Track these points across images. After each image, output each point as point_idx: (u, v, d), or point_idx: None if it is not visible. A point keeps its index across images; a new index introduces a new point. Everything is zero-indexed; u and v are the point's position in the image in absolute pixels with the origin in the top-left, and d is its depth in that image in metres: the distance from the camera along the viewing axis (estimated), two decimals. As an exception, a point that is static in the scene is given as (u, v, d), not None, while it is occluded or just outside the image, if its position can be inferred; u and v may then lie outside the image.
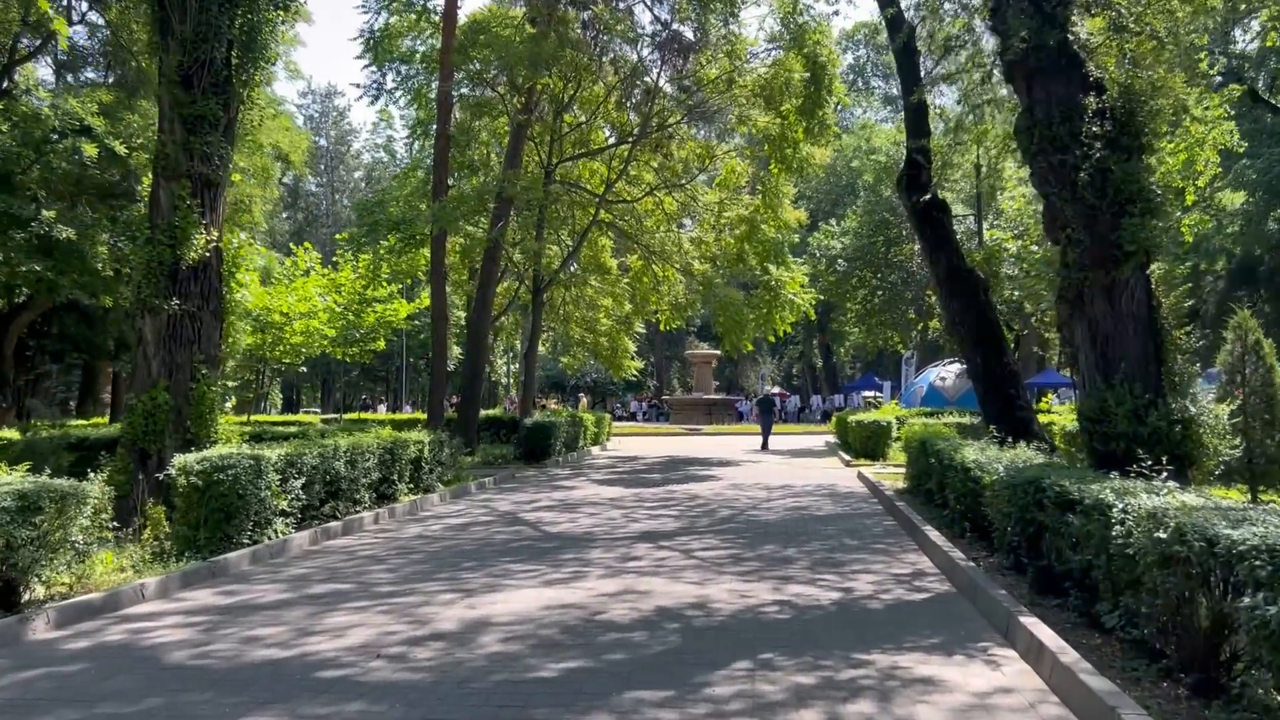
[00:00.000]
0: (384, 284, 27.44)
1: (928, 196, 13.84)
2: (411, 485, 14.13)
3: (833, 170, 47.81)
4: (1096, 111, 8.86)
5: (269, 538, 9.82)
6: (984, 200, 30.00)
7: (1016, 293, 26.23)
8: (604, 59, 23.67)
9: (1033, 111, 9.19)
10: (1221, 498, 6.33)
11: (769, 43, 23.41)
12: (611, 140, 25.05)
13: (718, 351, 45.31)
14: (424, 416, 24.03)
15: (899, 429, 21.20)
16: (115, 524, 8.94)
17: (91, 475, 8.64)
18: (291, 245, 30.05)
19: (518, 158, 22.90)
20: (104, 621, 6.79)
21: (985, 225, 26.89)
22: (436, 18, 24.33)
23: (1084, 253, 8.63)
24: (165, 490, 9.65)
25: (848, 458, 21.21)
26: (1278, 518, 4.64)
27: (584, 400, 49.09)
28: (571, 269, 26.76)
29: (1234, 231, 30.28)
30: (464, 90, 24.63)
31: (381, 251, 23.43)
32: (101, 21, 28.29)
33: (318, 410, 61.83)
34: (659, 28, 22.89)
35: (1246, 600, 4.15)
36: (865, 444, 21.05)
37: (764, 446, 28.02)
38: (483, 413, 32.79)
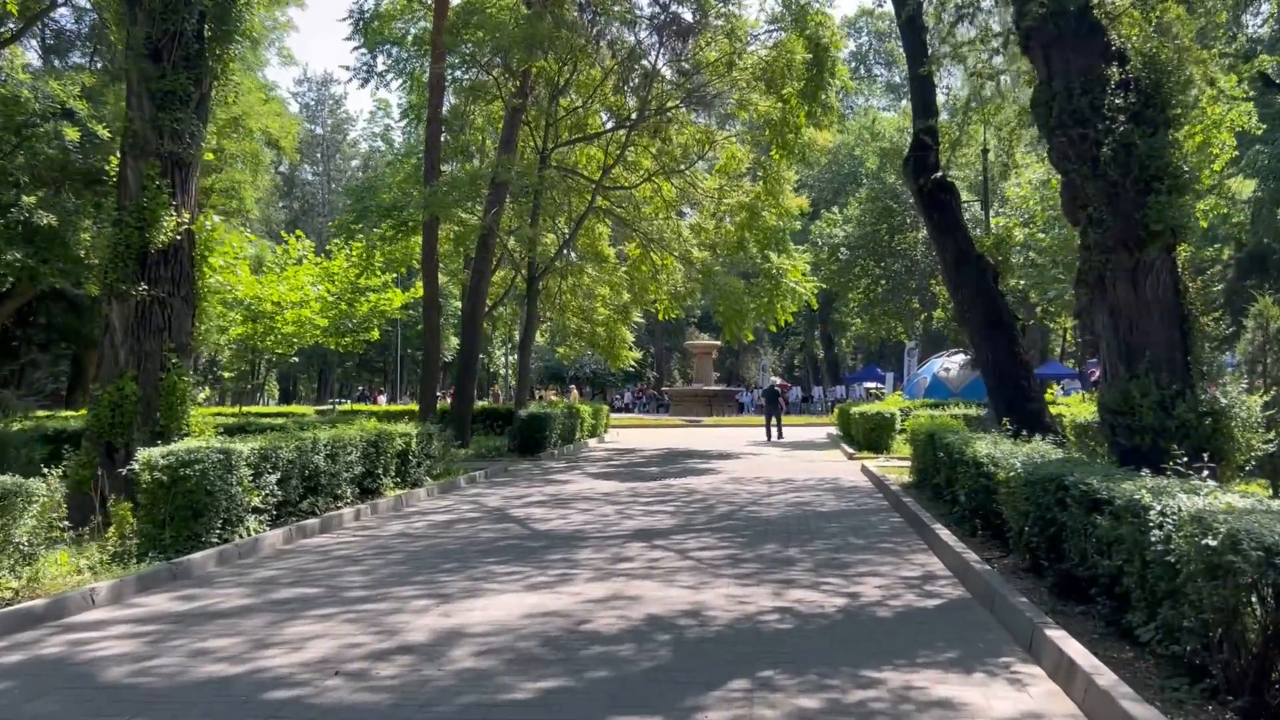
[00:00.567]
0: (377, 273, 26.92)
1: (937, 176, 13.24)
2: (398, 479, 13.61)
3: (835, 159, 47.22)
4: (1120, 83, 8.28)
5: (240, 536, 9.29)
6: (993, 183, 29.35)
7: (1022, 282, 25.67)
8: (601, 43, 23.09)
9: (1051, 83, 8.60)
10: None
11: (770, 24, 22.87)
12: (609, 125, 24.45)
13: (718, 342, 44.91)
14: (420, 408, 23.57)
15: (903, 421, 20.72)
16: (72, 523, 8.44)
17: (48, 471, 8.14)
18: (283, 234, 29.38)
19: (512, 143, 22.32)
20: (44, 631, 6.26)
21: (991, 213, 26.26)
22: (429, -1, 23.74)
23: (1106, 233, 8.06)
24: (132, 486, 9.13)
25: (850, 450, 20.69)
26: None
27: (574, 391, 48.54)
28: (568, 256, 26.22)
29: (1240, 220, 29.67)
30: (458, 74, 24.05)
31: (374, 239, 22.87)
32: (87, 4, 27.79)
33: (336, 402, 61.41)
34: (657, 9, 22.29)
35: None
36: (868, 436, 20.51)
37: (772, 437, 27.72)
38: (480, 404, 32.48)
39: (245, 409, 32.71)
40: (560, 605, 6.73)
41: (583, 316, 27.64)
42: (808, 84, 20.44)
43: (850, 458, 19.82)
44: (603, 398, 60.75)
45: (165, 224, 10.55)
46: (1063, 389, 31.55)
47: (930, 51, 13.31)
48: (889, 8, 15.75)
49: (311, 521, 10.45)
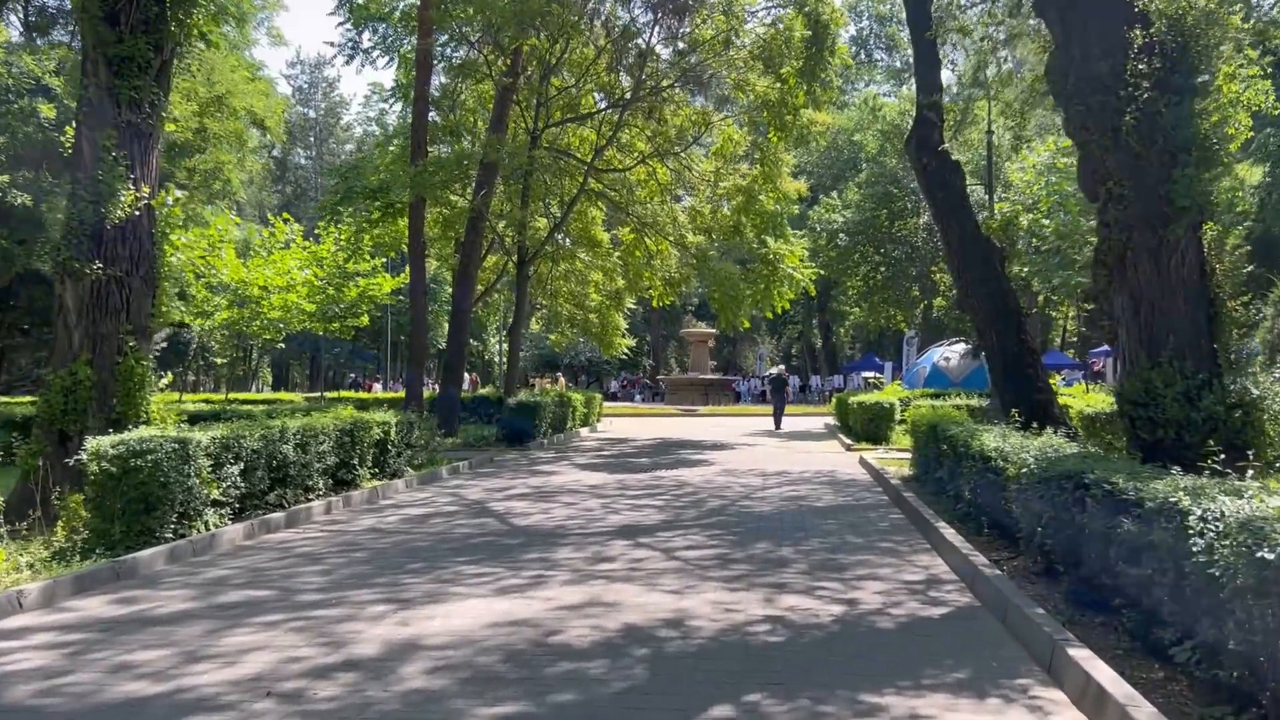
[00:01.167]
0: (366, 257, 26.24)
1: (942, 153, 12.61)
2: (375, 470, 13.02)
3: (834, 144, 46.47)
4: (1143, 47, 7.64)
5: (197, 531, 8.69)
6: (999, 164, 28.69)
7: (1025, 269, 25.03)
8: (595, 22, 22.41)
9: (1068, 48, 7.97)
10: None
11: (768, 1, 22.14)
12: (602, 105, 23.77)
13: (714, 330, 44.44)
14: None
15: (902, 411, 20.18)
16: (19, 517, 7.87)
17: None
18: (270, 216, 28.70)
19: (503, 123, 21.67)
20: (-44, 641, 5.65)
21: (994, 198, 25.64)
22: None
23: (1128, 209, 7.44)
24: (82, 478, 8.54)
25: (849, 441, 20.13)
26: None
27: (561, 379, 48.02)
28: (559, 240, 25.59)
29: (1244, 209, 29.02)
30: (447, 52, 23.35)
31: (360, 222, 22.24)
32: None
33: (324, 391, 60.84)
34: (652, -16, 21.56)
35: None
36: (867, 427, 19.97)
37: (777, 426, 27.43)
38: (477, 391, 31.88)
39: (233, 395, 32.16)
40: (530, 612, 6.13)
41: (575, 303, 27.07)
42: (807, 62, 19.77)
43: (848, 449, 19.26)
44: (598, 386, 60.29)
45: (122, 198, 9.89)
46: (1064, 379, 30.97)
47: (936, 25, 12.67)
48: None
49: (276, 515, 9.85)
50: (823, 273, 31.72)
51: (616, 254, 26.36)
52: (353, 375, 60.75)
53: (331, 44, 30.58)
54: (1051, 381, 26.57)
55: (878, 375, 45.78)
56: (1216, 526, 4.34)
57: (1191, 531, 4.48)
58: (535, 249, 22.51)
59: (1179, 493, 4.79)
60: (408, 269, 26.02)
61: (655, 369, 64.24)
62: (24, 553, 7.63)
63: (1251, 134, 14.26)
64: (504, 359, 42.82)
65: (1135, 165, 7.43)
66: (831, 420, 27.94)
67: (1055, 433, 8.87)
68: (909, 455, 14.49)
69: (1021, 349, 12.09)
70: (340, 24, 23.48)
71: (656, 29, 21.95)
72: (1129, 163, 7.45)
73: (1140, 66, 7.52)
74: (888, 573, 7.37)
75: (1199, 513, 4.50)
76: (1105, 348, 36.27)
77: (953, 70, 14.45)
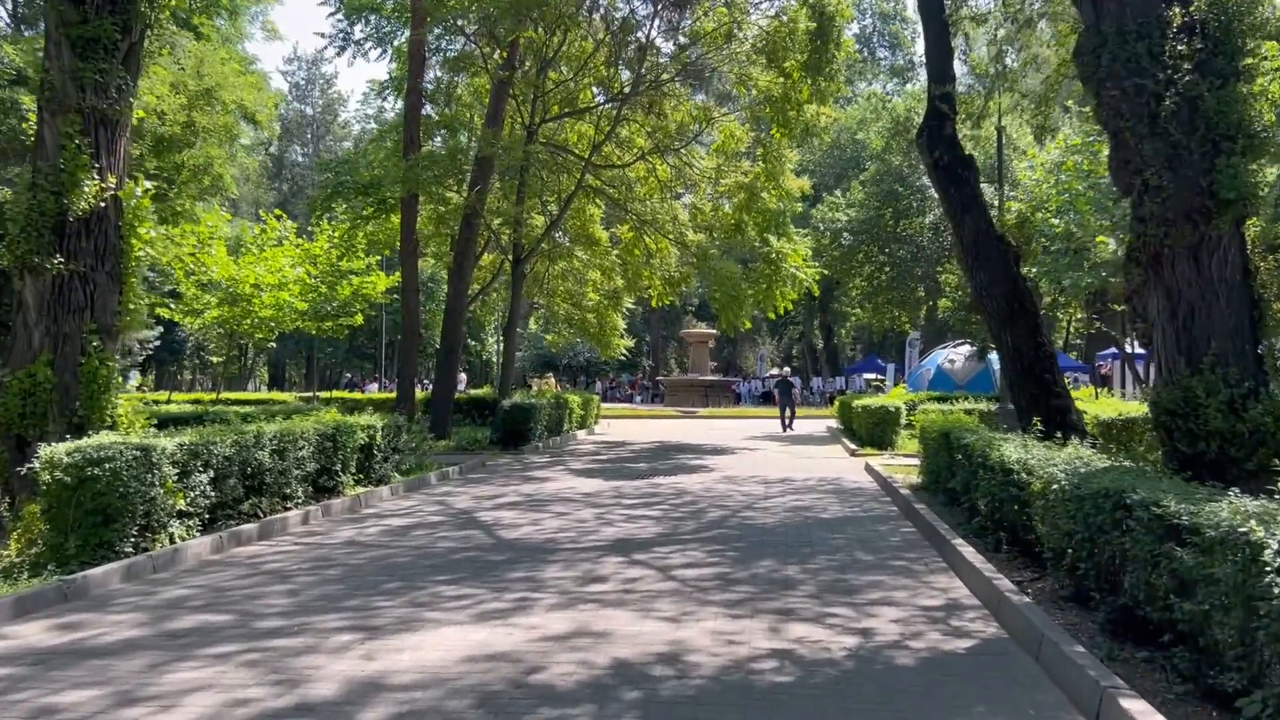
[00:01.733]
0: (360, 255, 25.68)
1: (955, 146, 12.01)
2: (360, 476, 12.44)
3: (836, 143, 45.88)
4: (1182, 26, 7.06)
5: (161, 545, 8.10)
6: (1013, 154, 28.07)
7: (1033, 270, 24.43)
8: (594, 15, 21.86)
9: (1100, 26, 7.37)
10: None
11: (772, -8, 21.60)
12: (600, 100, 23.18)
13: (714, 331, 43.80)
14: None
15: (908, 415, 19.63)
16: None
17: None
18: (263, 213, 28.14)
19: (499, 118, 21.08)
20: None
21: (1004, 197, 25.08)
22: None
23: (1166, 202, 6.84)
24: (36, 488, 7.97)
25: (853, 446, 19.54)
26: None
27: (551, 380, 47.46)
28: (557, 238, 25.02)
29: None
30: (441, 44, 22.79)
31: (350, 217, 21.67)
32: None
33: (316, 391, 60.37)
34: (653, -25, 20.99)
35: None
36: (871, 431, 19.38)
37: (786, 427, 27.25)
38: (470, 393, 31.34)
39: (225, 395, 31.53)
40: (511, 644, 5.54)
41: (572, 302, 26.49)
42: (811, 55, 19.15)
43: (853, 454, 18.68)
44: (592, 387, 59.88)
45: (86, 188, 9.31)
46: (1072, 382, 30.37)
47: (951, 8, 12.07)
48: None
49: (249, 527, 9.26)
50: (826, 273, 31.13)
51: (615, 252, 25.80)
52: (349, 375, 60.16)
53: (322, 34, 30.06)
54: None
55: (880, 377, 45.29)
56: (1298, 562, 3.76)
57: (1268, 568, 3.90)
58: (531, 247, 21.92)
59: (1248, 520, 4.20)
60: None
61: (655, 370, 63.79)
62: (-31, 569, 7.07)
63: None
64: (501, 359, 42.29)
65: (1174, 154, 6.84)
66: (834, 423, 27.38)
67: (1082, 443, 8.29)
68: (917, 462, 13.94)
69: (1038, 352, 11.50)
70: (331, 14, 22.85)
71: (657, 21, 21.38)
72: (1167, 151, 6.86)
73: (1180, 47, 6.94)
74: (903, 596, 6.77)
75: (1276, 546, 3.92)
76: (1112, 350, 35.72)
77: (964, 61, 13.90)
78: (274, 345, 34.92)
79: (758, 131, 22.98)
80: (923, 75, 57.25)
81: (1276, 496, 4.75)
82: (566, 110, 22.38)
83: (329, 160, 29.57)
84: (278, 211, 27.82)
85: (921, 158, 13.19)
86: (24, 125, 21.49)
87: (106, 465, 7.62)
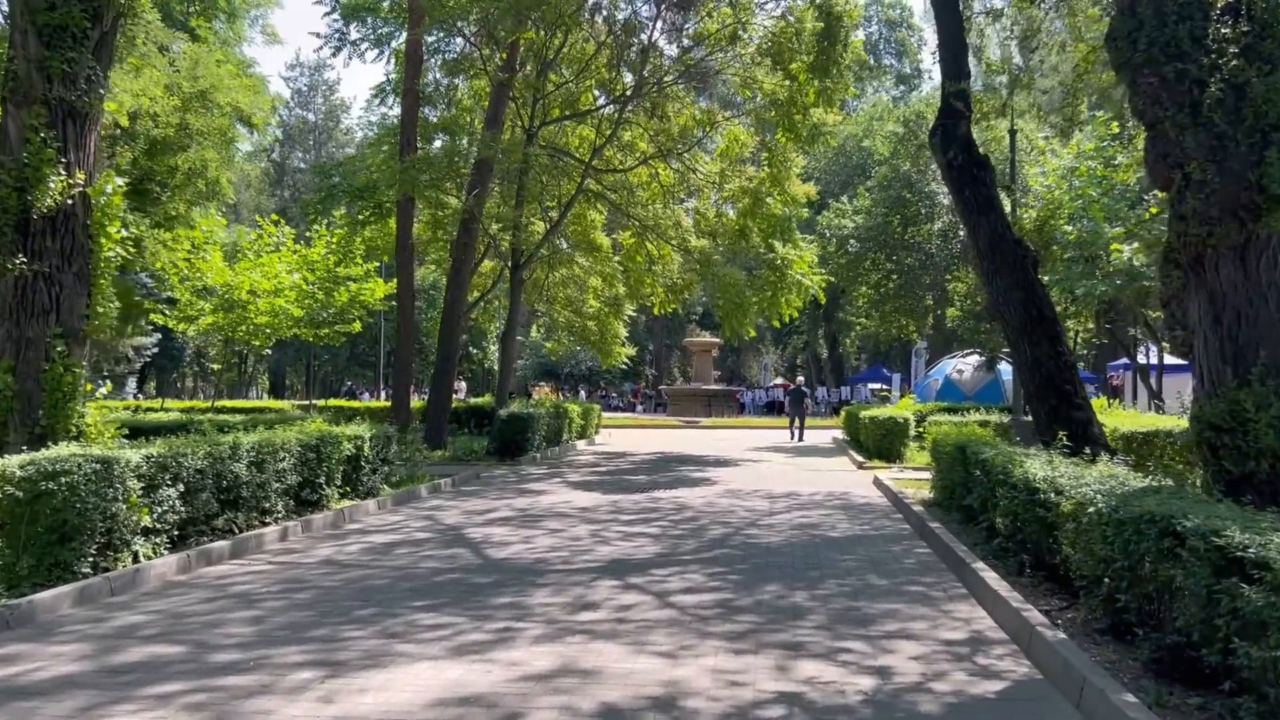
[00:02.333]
0: (358, 261, 25.27)
1: (970, 146, 11.46)
2: (346, 489, 11.88)
3: (842, 150, 45.42)
4: (1226, 7, 6.51)
5: (123, 564, 7.55)
6: (1028, 156, 27.52)
7: (1046, 278, 23.90)
8: (596, 16, 21.46)
9: (1136, 9, 6.81)
10: None
11: (778, -8, 21.23)
12: (602, 103, 22.73)
13: (718, 340, 43.36)
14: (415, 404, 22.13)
15: (917, 427, 19.09)
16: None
17: None
18: (259, 219, 27.71)
19: (498, 120, 20.61)
20: None
21: (1016, 201, 24.60)
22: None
23: (1210, 198, 6.28)
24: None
25: (860, 458, 18.99)
26: None
27: (544, 388, 47.01)
28: (557, 243, 24.54)
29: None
30: (440, 45, 22.35)
31: (345, 221, 21.21)
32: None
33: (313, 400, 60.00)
34: (656, -25, 20.61)
35: None
36: (879, 443, 18.82)
37: (796, 438, 26.97)
38: (469, 401, 30.87)
39: (222, 403, 31.06)
40: (488, 684, 4.97)
41: (573, 309, 25.99)
42: (818, 56, 18.67)
43: (860, 467, 18.12)
44: (597, 397, 59.54)
45: (52, 185, 8.82)
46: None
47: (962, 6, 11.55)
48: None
49: (220, 545, 8.69)
50: (832, 280, 30.57)
51: (616, 259, 25.32)
52: (349, 383, 59.68)
53: (317, 34, 29.62)
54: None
55: (885, 387, 44.76)
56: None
57: (1366, 615, 3.32)
58: (530, 252, 21.44)
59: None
60: (399, 273, 25.08)
61: (658, 379, 63.34)
62: (-90, 592, 6.51)
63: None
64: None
65: (1219, 145, 6.28)
66: (840, 434, 26.84)
67: (1111, 459, 7.72)
68: (928, 476, 13.35)
69: (1058, 361, 10.93)
70: (326, 14, 22.41)
71: (659, 23, 21.02)
72: (1211, 143, 6.30)
73: (1224, 30, 6.38)
74: (922, 628, 6.19)
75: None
76: (1124, 361, 35.16)
77: (978, 61, 13.43)
78: (271, 353, 34.38)
79: (763, 136, 22.54)
80: (929, 82, 56.74)
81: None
82: (567, 113, 21.94)
83: (324, 163, 29.11)
84: (275, 216, 27.42)
85: (935, 158, 12.65)
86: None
87: (63, 479, 7.09)
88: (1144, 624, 5.26)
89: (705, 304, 50.70)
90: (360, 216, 21.59)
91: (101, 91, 9.40)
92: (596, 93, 23.14)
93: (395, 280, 27.38)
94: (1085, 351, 50.33)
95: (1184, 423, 12.10)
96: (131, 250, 13.57)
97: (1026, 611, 6.06)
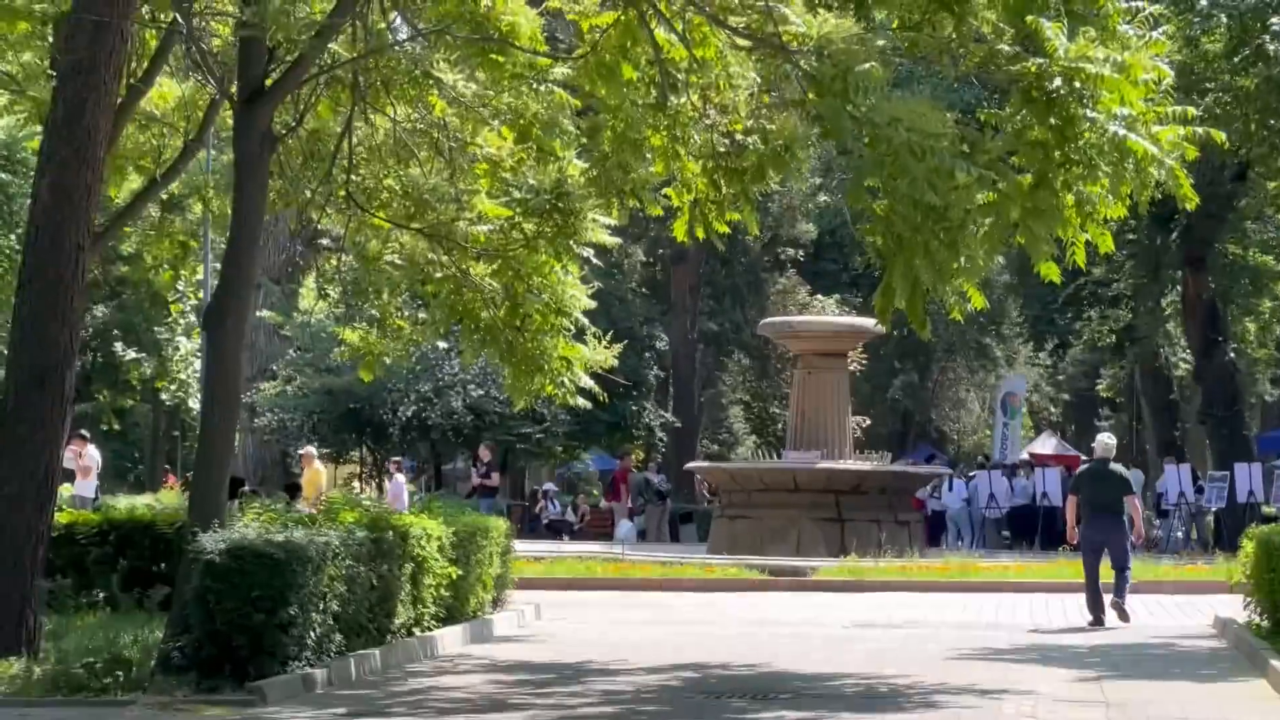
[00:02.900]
0: None
1: None
2: None
3: None
4: None
5: None
6: None
7: None
8: None
9: None
10: None
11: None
12: None
13: (868, 322, 45.13)
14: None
15: None
16: None
17: None
18: None
19: None
20: None
21: None
22: None
23: None
24: None
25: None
26: None
27: (313, 463, 47.83)
28: (386, 29, 24.70)
29: None
30: None
31: None
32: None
33: None
34: None
35: None
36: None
37: (1100, 612, 29.33)
38: (112, 507, 31.32)
39: None
40: None
41: (428, 232, 26.10)
42: None
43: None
44: (512, 489, 59.99)
45: None
46: None
47: None
48: None
49: None
50: (1221, 141, 30.41)
51: (561, 68, 25.25)
52: None
53: None
54: None
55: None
56: None
57: None
58: (301, 51, 21.37)
59: None
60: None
61: (678, 440, 64.47)
62: None
63: None
64: (206, 401, 41.84)
65: None
66: (1244, 607, 27.49)
67: None
68: None
69: None
70: None
71: None
72: None
73: None
74: None
75: None
76: None
77: None
78: None
79: None
80: None
81: None
82: None
83: None
84: None
85: None
86: None
87: None
88: None
89: (828, 220, 51.30)
90: None
91: None
92: None
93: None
94: None
95: None
96: None
97: None
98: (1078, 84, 21.11)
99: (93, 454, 51.06)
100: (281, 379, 61.21)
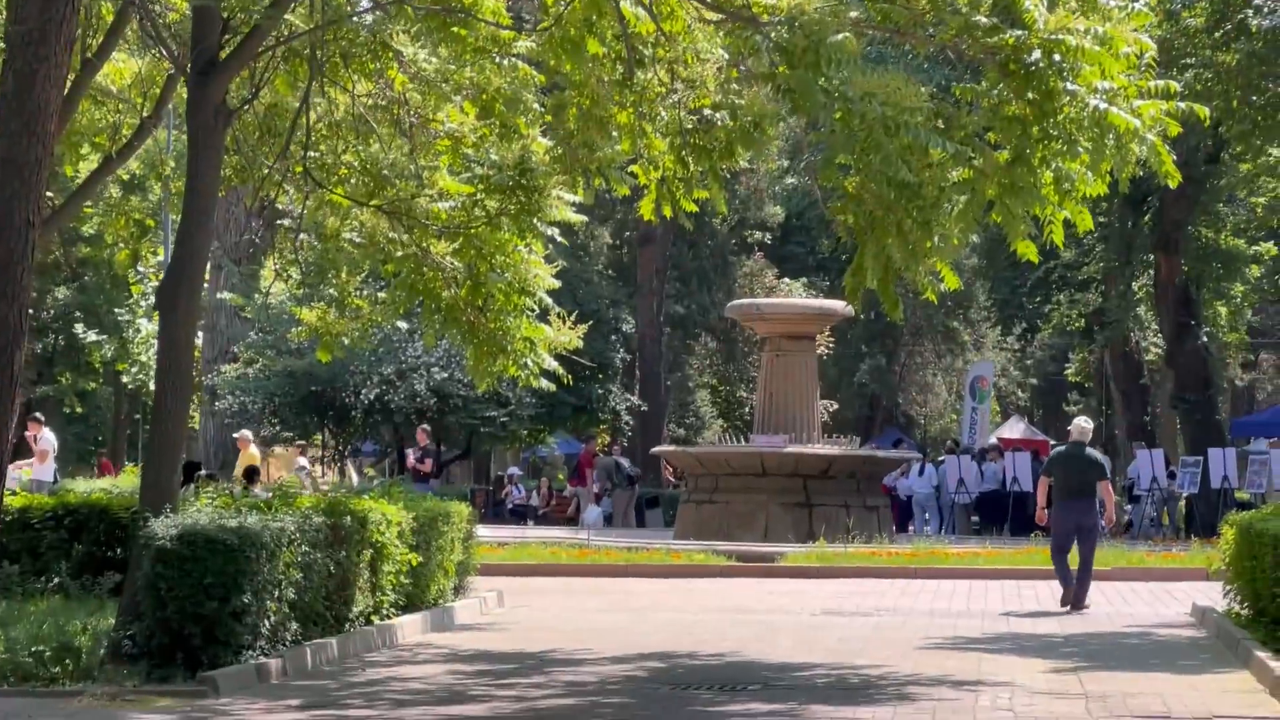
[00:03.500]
0: None
1: None
2: None
3: None
4: None
5: None
6: None
7: None
8: None
9: None
10: None
11: None
12: None
13: (835, 306, 44.35)
14: None
15: None
16: None
17: None
18: None
19: None
20: None
21: None
22: None
23: None
24: None
25: None
26: None
27: (249, 448, 47.47)
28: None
29: None
30: None
31: None
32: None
33: None
34: None
35: None
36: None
37: (1074, 603, 29.91)
38: (65, 491, 30.94)
39: None
40: None
41: (387, 210, 25.73)
42: None
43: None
44: (484, 479, 59.68)
45: None
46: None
47: None
48: None
49: None
50: (1200, 113, 30.39)
51: (525, 40, 24.90)
52: None
53: None
54: None
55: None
56: None
57: None
58: (247, 26, 21.05)
59: None
60: None
61: (644, 421, 64.31)
62: None
63: None
64: (161, 385, 41.35)
65: None
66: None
67: None
68: None
69: None
70: None
71: None
72: None
73: None
74: None
75: None
76: None
77: None
78: None
79: None
80: None
81: None
82: None
83: None
84: None
85: None
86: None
87: None
88: None
89: (796, 202, 50.91)
90: None
91: None
92: None
93: None
94: None
95: None
96: None
97: None
98: (1057, 56, 20.92)
99: (48, 437, 50.96)
100: (243, 361, 61.11)
